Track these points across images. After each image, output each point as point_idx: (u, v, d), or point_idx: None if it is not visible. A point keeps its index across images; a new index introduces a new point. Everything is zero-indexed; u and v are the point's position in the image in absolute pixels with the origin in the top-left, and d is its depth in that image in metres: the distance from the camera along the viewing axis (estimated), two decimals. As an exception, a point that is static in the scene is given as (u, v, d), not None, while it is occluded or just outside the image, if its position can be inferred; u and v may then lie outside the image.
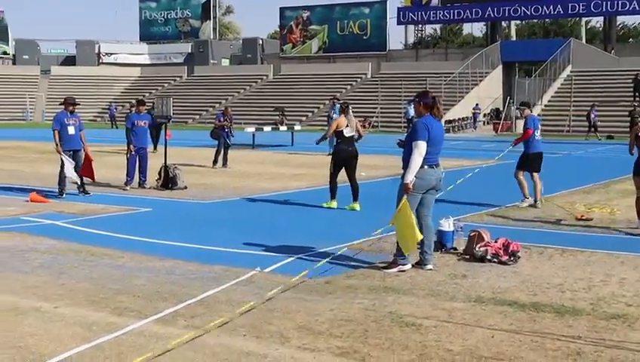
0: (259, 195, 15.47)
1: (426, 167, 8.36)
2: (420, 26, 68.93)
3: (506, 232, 10.18)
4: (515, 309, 6.84)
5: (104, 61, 77.77)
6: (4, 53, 76.21)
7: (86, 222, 11.89)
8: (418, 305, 6.97)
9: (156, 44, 78.78)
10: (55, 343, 5.74)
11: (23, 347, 5.64)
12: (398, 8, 64.49)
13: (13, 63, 75.93)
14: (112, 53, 78.56)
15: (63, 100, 15.62)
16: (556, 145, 34.10)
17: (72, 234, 10.71)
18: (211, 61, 75.08)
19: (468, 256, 9.17)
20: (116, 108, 57.39)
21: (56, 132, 14.95)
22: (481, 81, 54.03)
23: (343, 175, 13.39)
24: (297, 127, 38.66)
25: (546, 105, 48.73)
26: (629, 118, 37.20)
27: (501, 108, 50.95)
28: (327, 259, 8.81)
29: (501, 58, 56.62)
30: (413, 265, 8.57)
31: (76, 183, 15.18)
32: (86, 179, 15.52)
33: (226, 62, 76.88)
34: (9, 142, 34.30)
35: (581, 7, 56.33)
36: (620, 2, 55.10)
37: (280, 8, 72.01)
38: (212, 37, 77.40)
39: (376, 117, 51.02)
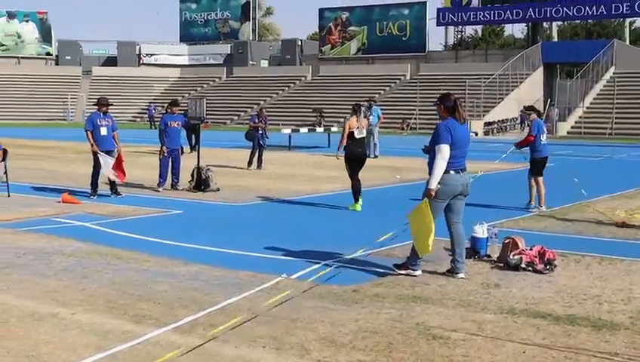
0: (292, 198, 15.27)
1: (452, 172, 8.09)
2: (460, 27, 68.23)
3: (541, 239, 9.86)
4: (549, 322, 6.52)
5: (144, 62, 78.21)
6: (48, 53, 77.07)
7: (115, 224, 11.79)
8: (447, 316, 6.68)
9: (196, 45, 79.09)
10: (68, 352, 5.57)
11: (35, 356, 5.47)
12: (438, 9, 63.81)
13: (56, 64, 76.76)
14: (152, 54, 78.99)
15: (96, 101, 15.58)
16: (598, 148, 33.48)
17: (100, 237, 10.60)
18: (250, 62, 75.13)
19: (502, 264, 8.86)
20: (155, 109, 57.68)
21: (89, 133, 14.93)
22: (521, 82, 53.29)
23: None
24: (334, 129, 38.35)
25: (587, 108, 47.87)
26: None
27: (542, 111, 50.18)
28: (356, 266, 8.59)
29: (542, 59, 55.78)
30: (445, 273, 8.34)
31: (109, 184, 15.13)
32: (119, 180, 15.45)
33: (264, 63, 76.87)
34: (48, 142, 34.63)
35: (625, 7, 55.19)
36: (665, 2, 53.99)
37: (319, 9, 71.75)
38: (251, 38, 77.47)
39: (415, 119, 50.59)
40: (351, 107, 14.21)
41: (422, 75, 59.84)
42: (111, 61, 78.66)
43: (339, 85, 62.19)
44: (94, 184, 15.03)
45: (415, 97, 52.23)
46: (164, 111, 17.96)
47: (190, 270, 8.45)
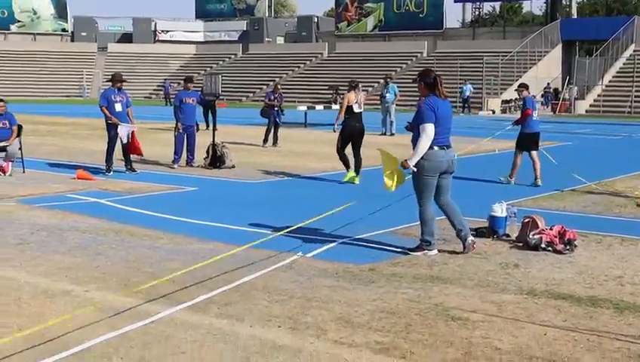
0: (307, 175, 15.16)
1: (436, 148, 8.08)
2: (478, 3, 67.61)
3: (561, 218, 9.72)
4: (571, 303, 6.38)
5: (160, 38, 78.10)
6: (63, 30, 77.04)
7: (130, 200, 11.72)
8: (466, 297, 6.56)
9: (212, 21, 78.85)
10: (81, 330, 5.49)
11: (48, 333, 5.39)
12: (456, -15, 63.34)
13: (72, 40, 76.74)
14: (168, 31, 78.86)
15: (110, 77, 15.51)
16: (617, 127, 33.13)
17: (114, 213, 10.54)
18: (266, 39, 74.86)
19: (521, 244, 8.71)
20: (171, 85, 57.58)
21: (104, 108, 14.86)
22: (539, 60, 52.80)
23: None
24: (350, 106, 38.13)
25: (607, 86, 47.37)
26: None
27: (560, 89, 49.73)
28: (372, 245, 8.50)
29: (561, 37, 55.18)
30: (463, 251, 8.24)
31: (124, 160, 15.08)
32: (133, 156, 15.39)
33: (280, 40, 76.59)
34: (65, 119, 34.64)
35: (646, -17, 54.50)
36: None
37: (336, -15, 71.34)
38: (267, 15, 77.14)
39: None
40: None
41: (439, 53, 59.44)
42: (126, 38, 78.64)
43: (355, 62, 61.82)
44: (109, 160, 14.98)
45: (432, 75, 51.88)
46: (180, 89, 17.87)
47: (204, 247, 8.36)
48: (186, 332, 5.49)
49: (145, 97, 63.19)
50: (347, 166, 14.08)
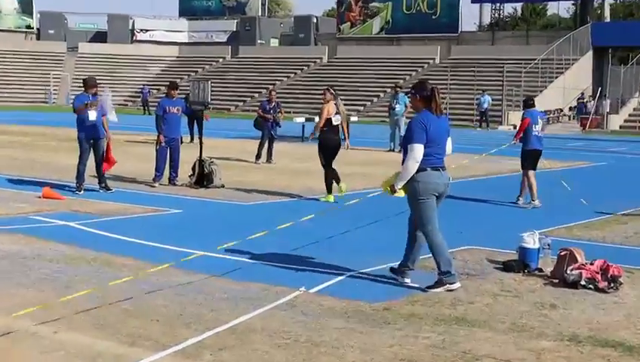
0: (307, 197, 15.02)
1: (429, 169, 8.11)
2: (498, 4, 67.78)
3: (602, 251, 9.63)
4: (621, 353, 6.23)
5: (138, 38, 78.19)
6: (28, 27, 77.08)
7: (105, 224, 11.59)
8: (498, 343, 6.40)
9: (197, 20, 79.02)
10: (50, 379, 5.31)
11: (11, 383, 5.21)
12: (473, -16, 63.61)
13: (37, 38, 76.75)
14: (147, 30, 78.99)
15: (83, 81, 15.39)
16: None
17: (87, 239, 10.40)
18: (259, 41, 74.99)
19: (557, 280, 8.59)
20: (149, 92, 57.59)
21: (80, 107, 14.65)
22: (567, 68, 52.91)
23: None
24: (354, 118, 38.10)
25: (643, 99, 47.48)
26: None
27: (591, 102, 49.78)
28: (385, 279, 8.41)
29: (592, 42, 55.36)
30: (425, 288, 8.14)
31: (98, 177, 14.94)
32: (109, 173, 15.31)
33: (275, 42, 76.74)
34: (29, 128, 34.47)
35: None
36: None
37: (337, -18, 71.64)
38: (260, 13, 77.36)
39: (445, 108, 50.22)
40: (327, 92, 14.79)
41: (453, 59, 59.58)
42: (100, 37, 78.66)
43: (359, 69, 61.93)
44: (80, 177, 14.82)
45: (446, 84, 51.89)
46: (163, 95, 17.78)
47: (193, 280, 8.21)
48: (174, 383, 5.32)
49: (120, 104, 63.15)
50: (330, 189, 14.65)
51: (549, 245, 9.37)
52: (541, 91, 50.34)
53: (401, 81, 52.98)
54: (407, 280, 8.35)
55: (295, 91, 59.78)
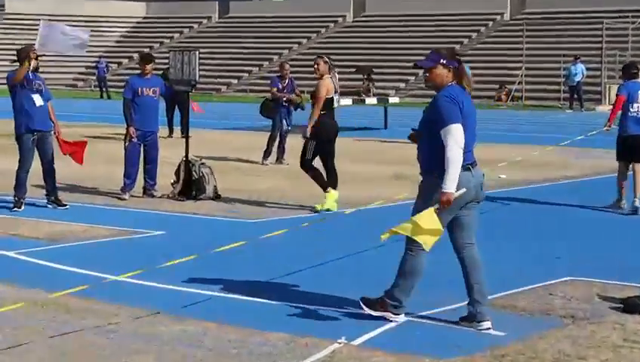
0: (335, 211, 15.00)
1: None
2: None
3: None
4: None
5: (91, -6, 78.73)
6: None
7: (57, 253, 11.69)
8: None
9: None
10: None
11: None
12: None
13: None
14: (103, -18, 79.53)
15: (16, 52, 15.32)
16: None
17: (33, 275, 10.48)
18: (256, -6, 75.48)
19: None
20: (107, 68, 57.83)
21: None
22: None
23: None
24: (393, 99, 38.20)
25: None
26: None
27: None
28: (453, 324, 8.45)
29: None
30: (460, 320, 8.38)
31: (46, 188, 15.00)
32: (61, 182, 15.43)
33: (279, -5, 77.09)
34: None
35: None
36: None
37: None
38: (258, -44, 77.75)
39: (519, 83, 50.22)
40: (321, 62, 15.13)
41: (529, 14, 59.60)
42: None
43: (397, 30, 62.17)
44: (20, 188, 14.86)
45: (520, 49, 51.91)
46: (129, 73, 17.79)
47: (187, 331, 8.24)
48: None
49: (68, 85, 63.57)
50: (324, 185, 15.16)
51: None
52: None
53: (458, 46, 53.15)
54: (486, 325, 8.30)
55: (309, 63, 59.75)
